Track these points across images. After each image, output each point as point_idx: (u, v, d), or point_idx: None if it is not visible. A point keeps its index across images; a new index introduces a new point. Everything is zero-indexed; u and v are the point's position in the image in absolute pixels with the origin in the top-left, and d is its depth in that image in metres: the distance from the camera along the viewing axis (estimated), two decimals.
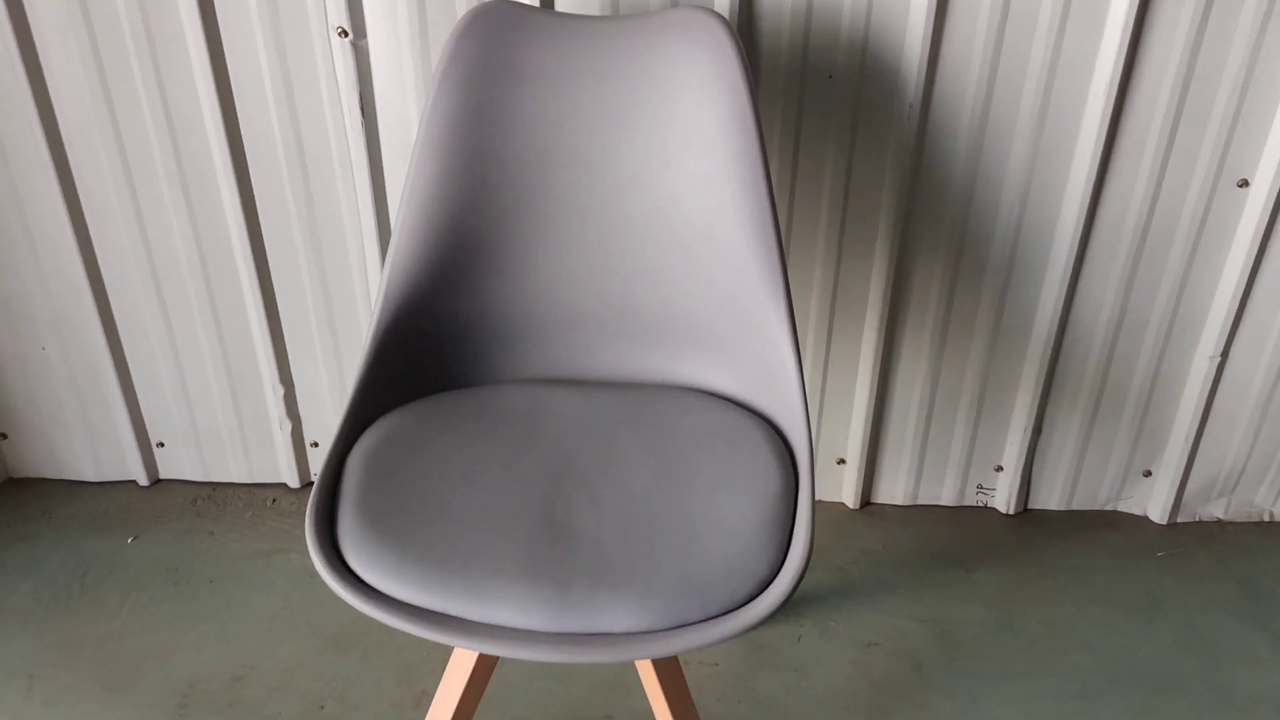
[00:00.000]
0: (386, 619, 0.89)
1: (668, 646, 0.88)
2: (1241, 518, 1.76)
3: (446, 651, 1.47)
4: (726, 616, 0.90)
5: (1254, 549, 1.70)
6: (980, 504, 1.76)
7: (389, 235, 1.45)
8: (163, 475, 1.80)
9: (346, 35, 1.40)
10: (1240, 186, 1.48)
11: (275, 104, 1.46)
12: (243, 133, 1.49)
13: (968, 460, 1.71)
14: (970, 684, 1.45)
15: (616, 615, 0.90)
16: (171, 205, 1.54)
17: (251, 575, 1.61)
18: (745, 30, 1.40)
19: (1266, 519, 1.76)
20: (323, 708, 1.38)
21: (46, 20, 1.42)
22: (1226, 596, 1.61)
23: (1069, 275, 1.54)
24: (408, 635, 1.49)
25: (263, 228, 1.56)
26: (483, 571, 0.92)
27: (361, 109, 1.45)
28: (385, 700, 1.39)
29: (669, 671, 1.20)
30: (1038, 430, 1.67)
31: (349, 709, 1.38)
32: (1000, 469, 1.72)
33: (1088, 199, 1.47)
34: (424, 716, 1.37)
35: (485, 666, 1.13)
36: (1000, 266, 1.54)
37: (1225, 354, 1.61)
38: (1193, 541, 1.71)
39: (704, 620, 0.91)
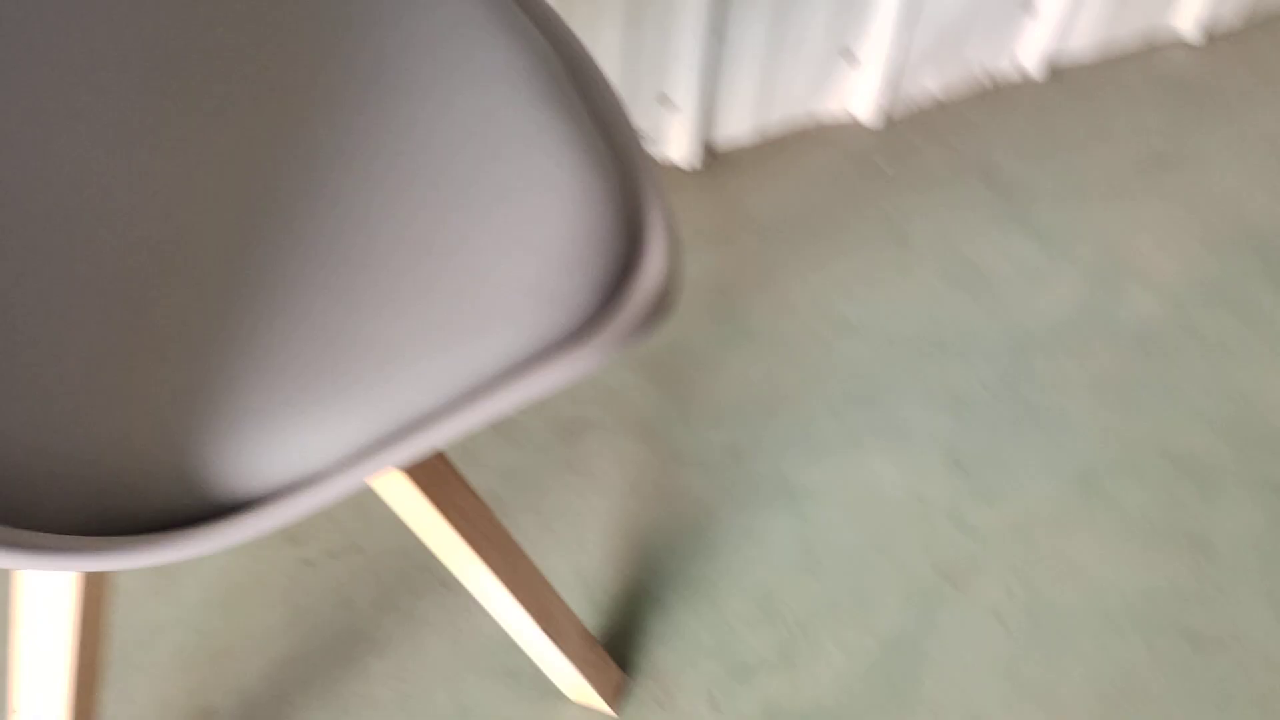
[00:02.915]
0: None
1: None
2: (962, 90, 1.38)
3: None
4: None
5: (982, 126, 1.34)
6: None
7: None
8: None
9: None
10: None
11: None
12: None
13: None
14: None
15: None
16: None
17: None
18: None
19: (989, 86, 1.39)
20: None
21: None
22: (975, 201, 1.25)
23: None
24: None
25: None
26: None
27: None
28: None
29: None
30: (719, 38, 1.15)
31: None
32: (669, 103, 1.20)
33: None
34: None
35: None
36: None
37: None
38: (916, 138, 1.32)
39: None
